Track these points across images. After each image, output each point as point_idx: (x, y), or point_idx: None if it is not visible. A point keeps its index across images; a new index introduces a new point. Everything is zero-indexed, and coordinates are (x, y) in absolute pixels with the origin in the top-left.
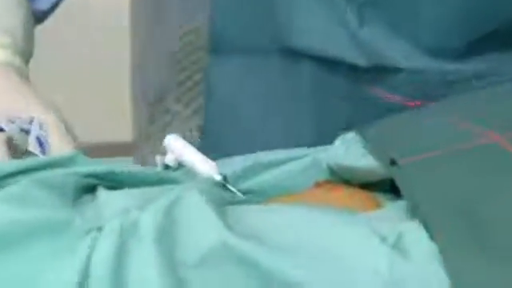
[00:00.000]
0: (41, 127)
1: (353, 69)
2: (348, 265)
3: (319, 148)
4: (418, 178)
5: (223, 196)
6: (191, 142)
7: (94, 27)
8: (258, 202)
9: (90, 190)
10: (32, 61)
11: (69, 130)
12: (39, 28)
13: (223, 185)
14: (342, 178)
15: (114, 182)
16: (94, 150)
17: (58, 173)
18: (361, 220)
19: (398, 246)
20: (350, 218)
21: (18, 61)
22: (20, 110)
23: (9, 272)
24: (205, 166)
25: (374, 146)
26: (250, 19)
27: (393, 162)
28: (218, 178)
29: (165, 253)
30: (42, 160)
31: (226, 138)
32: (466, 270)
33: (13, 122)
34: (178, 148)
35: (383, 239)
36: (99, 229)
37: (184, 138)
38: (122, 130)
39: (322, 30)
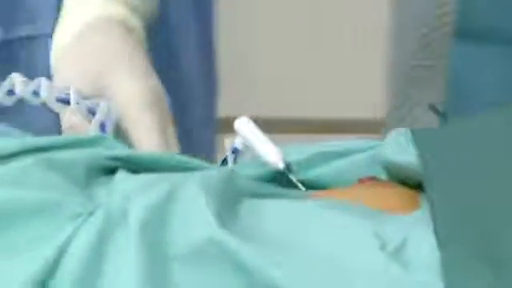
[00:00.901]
0: (109, 111)
1: None
2: (337, 267)
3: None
4: (440, 181)
5: (243, 186)
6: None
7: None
8: (296, 197)
9: (113, 171)
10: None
11: (161, 101)
12: None
13: (285, 173)
14: (396, 176)
15: (137, 166)
16: (345, 126)
17: (71, 153)
18: (367, 223)
19: (398, 253)
20: (355, 219)
21: (133, 21)
22: (109, 77)
23: None
24: (269, 152)
25: (418, 146)
26: (498, 8)
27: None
28: (281, 165)
29: (150, 243)
30: (62, 139)
31: None
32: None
33: (84, 99)
34: (245, 132)
35: (383, 244)
36: (90, 213)
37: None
38: (373, 107)
39: None
